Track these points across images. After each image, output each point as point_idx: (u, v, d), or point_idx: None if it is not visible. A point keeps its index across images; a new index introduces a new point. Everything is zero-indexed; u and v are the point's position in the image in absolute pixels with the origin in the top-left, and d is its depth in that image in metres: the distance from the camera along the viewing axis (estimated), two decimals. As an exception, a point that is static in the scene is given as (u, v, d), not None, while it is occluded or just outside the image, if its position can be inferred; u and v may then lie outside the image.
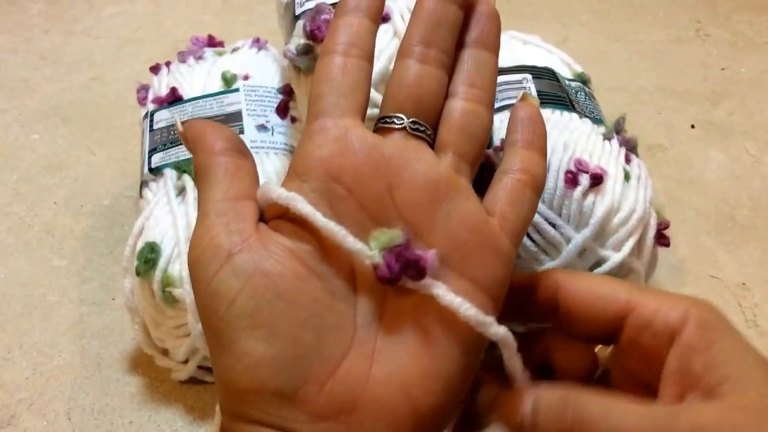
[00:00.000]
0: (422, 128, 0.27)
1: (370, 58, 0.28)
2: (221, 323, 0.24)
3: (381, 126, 0.28)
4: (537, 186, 0.28)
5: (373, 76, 0.39)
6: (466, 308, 0.25)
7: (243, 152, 0.27)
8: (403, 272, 0.24)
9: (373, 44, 0.29)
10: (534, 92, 0.46)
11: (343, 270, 0.25)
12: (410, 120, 0.27)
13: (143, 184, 0.45)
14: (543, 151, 0.29)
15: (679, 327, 0.24)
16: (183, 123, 0.28)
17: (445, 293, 0.25)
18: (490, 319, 0.25)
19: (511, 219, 0.27)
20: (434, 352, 0.25)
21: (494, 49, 0.30)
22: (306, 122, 0.28)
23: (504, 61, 0.49)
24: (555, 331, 0.28)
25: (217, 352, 0.24)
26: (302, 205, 0.25)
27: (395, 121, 0.27)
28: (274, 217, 0.26)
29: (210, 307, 0.24)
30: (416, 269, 0.24)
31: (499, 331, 0.25)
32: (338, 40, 0.28)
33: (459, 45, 0.29)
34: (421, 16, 0.29)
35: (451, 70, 0.29)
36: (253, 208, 0.26)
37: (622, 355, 0.27)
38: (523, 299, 0.28)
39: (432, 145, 0.28)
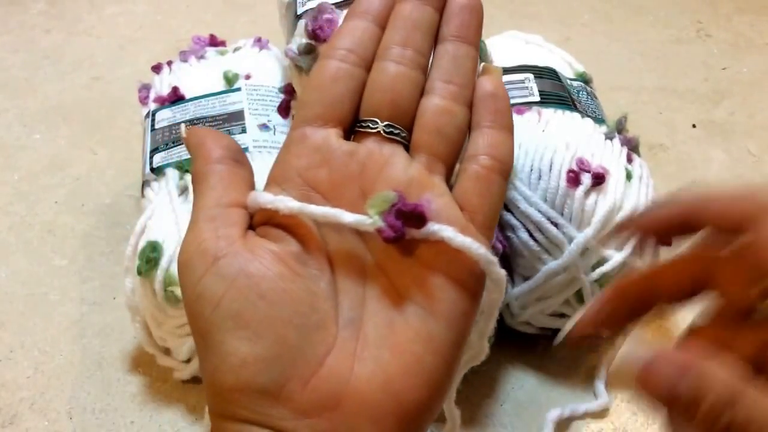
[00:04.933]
0: (396, 131, 0.28)
1: (368, 66, 0.29)
2: (207, 325, 0.24)
3: (358, 130, 0.28)
4: (504, 170, 0.28)
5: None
6: (479, 247, 0.25)
7: (239, 161, 0.28)
8: (405, 225, 0.25)
9: (375, 51, 0.29)
10: (536, 92, 0.47)
11: (325, 272, 0.26)
12: (384, 124, 0.28)
13: (145, 183, 0.45)
14: (508, 129, 0.29)
15: None
16: (187, 129, 0.29)
17: (453, 234, 0.25)
18: (495, 259, 0.26)
19: (480, 211, 0.27)
20: (415, 348, 0.25)
21: (473, 41, 0.29)
22: (291, 126, 0.28)
23: (506, 60, 0.50)
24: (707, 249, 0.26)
25: (204, 354, 0.25)
26: (291, 202, 0.26)
27: (370, 125, 0.28)
28: (261, 223, 0.27)
29: (196, 310, 0.25)
30: (417, 218, 0.25)
31: (501, 271, 0.26)
32: (338, 45, 0.28)
33: (438, 39, 0.29)
34: (398, 21, 0.29)
35: (428, 68, 0.29)
36: (242, 215, 0.27)
37: None
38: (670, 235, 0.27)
39: (408, 146, 0.28)
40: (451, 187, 0.28)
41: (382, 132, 0.27)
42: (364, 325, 0.26)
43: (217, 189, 0.27)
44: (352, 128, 0.28)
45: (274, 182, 0.27)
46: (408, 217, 0.25)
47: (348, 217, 0.25)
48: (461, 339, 0.26)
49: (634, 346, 0.23)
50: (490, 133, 0.28)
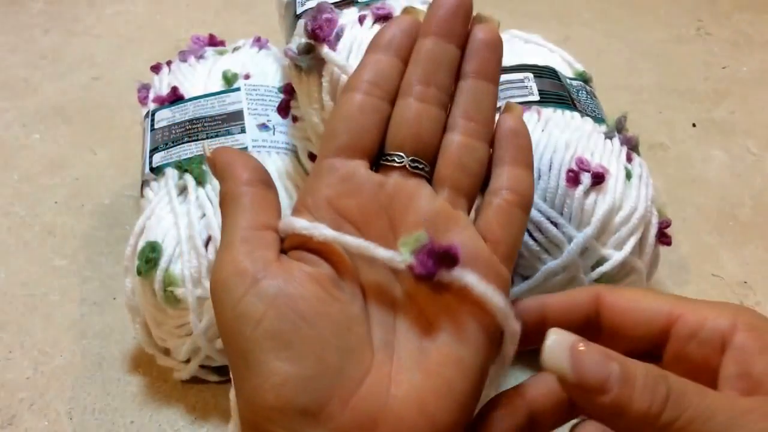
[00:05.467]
0: (421, 166, 0.29)
1: (391, 99, 0.29)
2: (247, 344, 0.24)
3: (383, 164, 0.29)
4: (525, 204, 0.29)
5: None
6: (498, 299, 0.26)
7: (268, 184, 0.29)
8: (437, 265, 0.26)
9: (398, 84, 0.30)
10: (535, 91, 0.46)
11: (357, 297, 0.27)
12: (410, 158, 0.29)
13: (144, 183, 0.45)
14: (528, 165, 0.30)
15: (729, 332, 0.25)
16: (211, 149, 0.29)
17: (477, 282, 0.26)
18: (511, 312, 0.27)
19: (503, 242, 0.28)
20: (446, 372, 0.26)
21: (493, 79, 0.30)
22: (318, 154, 0.29)
23: (506, 60, 0.49)
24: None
25: (242, 372, 0.25)
26: (327, 231, 0.26)
27: (396, 159, 0.29)
28: (292, 248, 0.27)
29: (235, 329, 0.25)
30: (449, 258, 0.26)
31: (516, 326, 0.27)
32: (363, 77, 0.29)
33: (459, 74, 0.30)
34: (420, 57, 0.29)
35: (449, 104, 0.30)
36: (275, 238, 0.27)
37: (668, 368, 0.27)
38: (565, 320, 0.28)
39: (430, 180, 0.29)
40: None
41: (407, 166, 0.28)
42: (396, 349, 0.26)
43: (249, 211, 0.27)
44: (376, 160, 0.29)
45: (305, 209, 0.28)
46: (441, 257, 0.26)
47: (381, 252, 0.26)
48: (487, 364, 0.27)
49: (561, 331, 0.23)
50: (511, 170, 0.29)
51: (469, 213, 0.29)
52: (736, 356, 0.24)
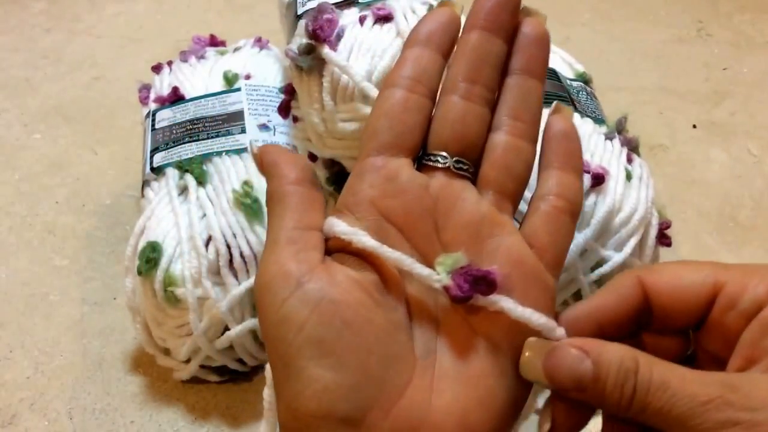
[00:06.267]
0: (465, 167, 0.28)
1: (433, 96, 0.28)
2: (290, 349, 0.24)
3: (425, 163, 0.28)
4: (574, 211, 0.28)
5: (374, 75, 0.40)
6: (537, 317, 0.25)
7: (315, 184, 0.28)
8: (473, 289, 0.25)
9: (440, 80, 0.28)
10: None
11: (401, 304, 0.26)
12: (454, 159, 0.28)
13: (145, 183, 0.45)
14: (578, 170, 0.29)
15: (765, 300, 0.24)
16: (257, 147, 0.29)
17: (514, 306, 0.25)
18: (554, 324, 0.26)
19: (550, 250, 0.27)
20: (488, 383, 0.25)
21: (540, 76, 0.29)
22: (359, 153, 0.28)
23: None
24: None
25: (284, 378, 0.24)
26: (367, 239, 0.26)
27: (439, 159, 0.28)
28: (337, 250, 0.27)
29: (278, 334, 0.24)
30: (486, 283, 0.25)
31: (562, 333, 0.26)
32: (404, 74, 0.28)
33: (504, 70, 0.29)
34: (466, 52, 0.28)
35: (495, 102, 0.29)
36: (320, 239, 0.26)
37: (707, 336, 0.26)
38: (619, 323, 0.27)
39: (474, 180, 0.28)
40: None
41: (452, 167, 0.27)
42: (438, 358, 0.26)
43: (296, 211, 0.27)
44: (419, 159, 0.28)
45: (346, 209, 0.27)
46: (477, 281, 0.25)
47: (419, 269, 0.26)
48: None
49: (538, 340, 0.25)
50: (561, 175, 0.28)
51: (513, 216, 0.28)
52: (758, 325, 0.24)
